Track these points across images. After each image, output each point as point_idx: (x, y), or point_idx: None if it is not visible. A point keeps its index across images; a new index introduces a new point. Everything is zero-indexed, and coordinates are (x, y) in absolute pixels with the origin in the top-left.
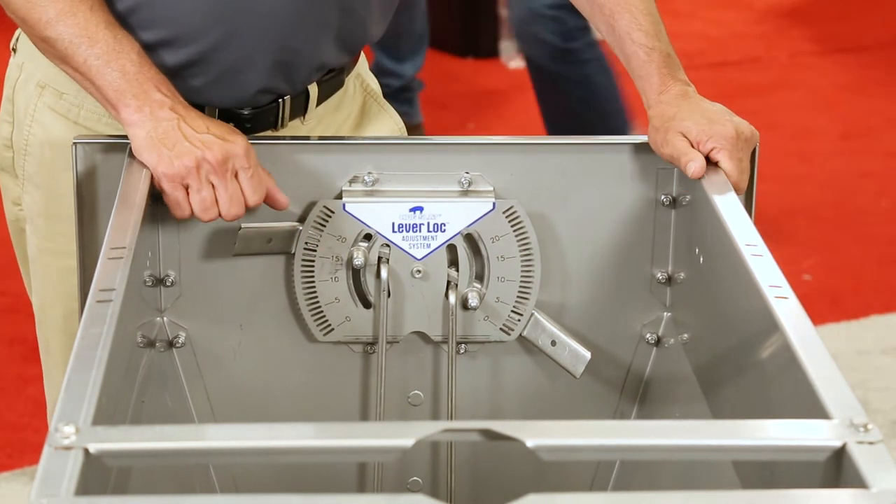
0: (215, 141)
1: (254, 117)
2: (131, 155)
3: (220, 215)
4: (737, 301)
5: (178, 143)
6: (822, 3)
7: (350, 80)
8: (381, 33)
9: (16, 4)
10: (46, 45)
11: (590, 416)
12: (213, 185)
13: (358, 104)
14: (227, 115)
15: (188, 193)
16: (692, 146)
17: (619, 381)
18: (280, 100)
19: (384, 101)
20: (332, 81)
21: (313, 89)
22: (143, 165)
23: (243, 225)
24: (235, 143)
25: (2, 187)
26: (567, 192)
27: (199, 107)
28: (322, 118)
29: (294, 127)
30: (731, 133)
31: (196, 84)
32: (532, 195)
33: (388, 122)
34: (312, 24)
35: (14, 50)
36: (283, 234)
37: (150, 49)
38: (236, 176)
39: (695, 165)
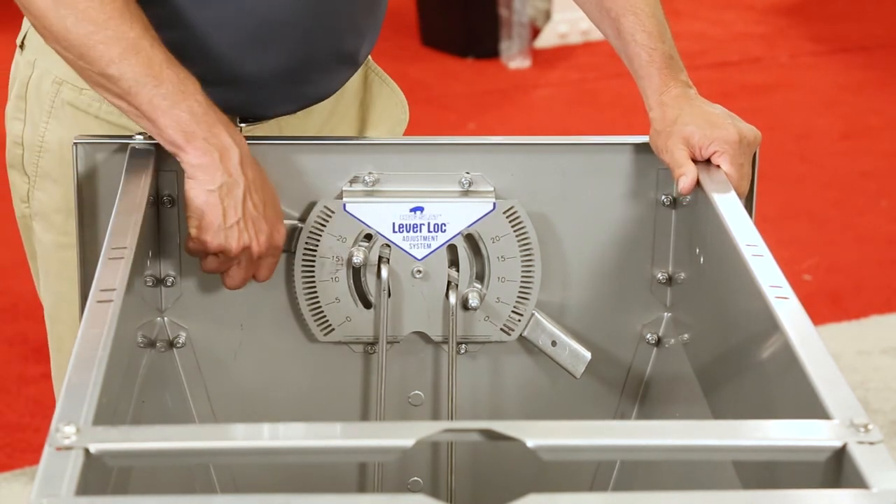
0: (265, 228)
1: None
2: (132, 154)
3: (222, 279)
4: (737, 301)
5: (234, 218)
6: (822, 3)
7: None
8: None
9: (75, 41)
10: (106, 82)
11: (590, 416)
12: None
13: (360, 78)
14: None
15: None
16: (693, 153)
17: (619, 382)
18: None
19: (385, 74)
20: None
21: None
22: (145, 166)
23: None
24: (280, 233)
25: (11, 185)
26: (567, 192)
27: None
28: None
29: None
30: (734, 137)
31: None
32: (532, 195)
33: (392, 97)
34: (328, 53)
35: (22, 46)
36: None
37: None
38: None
39: (686, 181)
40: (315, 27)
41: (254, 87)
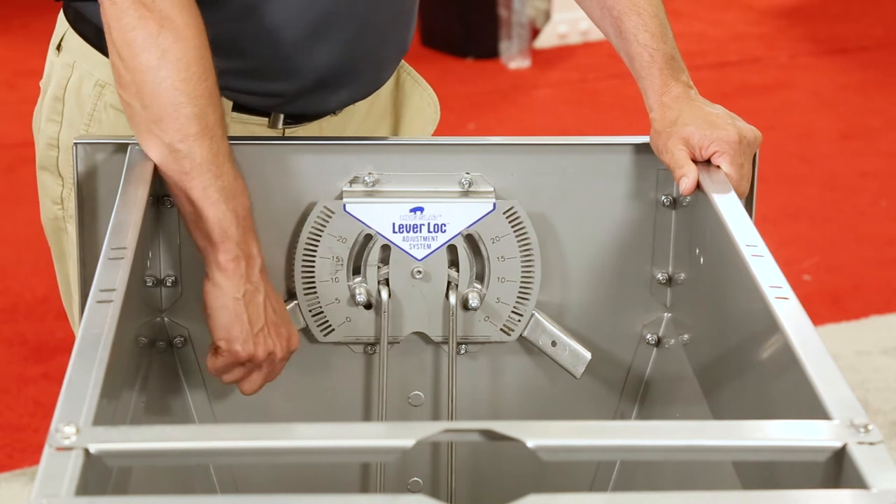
0: (284, 333)
1: None
2: (132, 154)
3: (239, 387)
4: (737, 301)
5: (259, 325)
6: (822, 3)
7: None
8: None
9: (161, 105)
10: (167, 152)
11: (590, 416)
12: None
13: (393, 77)
14: None
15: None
16: (693, 154)
17: (619, 382)
18: None
19: (416, 73)
20: None
21: None
22: (143, 174)
23: None
24: (296, 337)
25: (40, 186)
26: (567, 192)
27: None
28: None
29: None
30: (734, 138)
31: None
32: (532, 195)
33: (424, 96)
34: (383, 51)
35: (59, 48)
36: None
37: None
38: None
39: (687, 182)
40: (368, 19)
41: (308, 80)
